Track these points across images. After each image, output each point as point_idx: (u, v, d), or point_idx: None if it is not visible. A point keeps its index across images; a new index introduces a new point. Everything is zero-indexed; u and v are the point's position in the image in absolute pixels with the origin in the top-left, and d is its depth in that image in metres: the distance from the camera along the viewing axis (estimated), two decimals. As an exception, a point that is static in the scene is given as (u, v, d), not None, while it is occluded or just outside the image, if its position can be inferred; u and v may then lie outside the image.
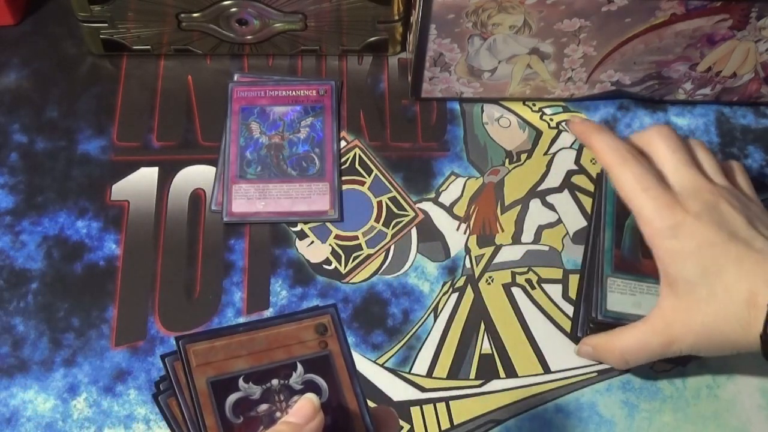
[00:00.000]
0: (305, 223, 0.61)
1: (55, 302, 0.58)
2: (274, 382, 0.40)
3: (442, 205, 0.63)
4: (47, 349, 0.56)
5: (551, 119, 0.67)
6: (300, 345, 0.40)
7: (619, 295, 0.54)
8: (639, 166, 0.50)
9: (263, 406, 0.40)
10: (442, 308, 0.59)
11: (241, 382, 0.39)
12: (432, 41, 0.60)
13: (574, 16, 0.58)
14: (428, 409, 0.55)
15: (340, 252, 0.60)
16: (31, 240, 0.60)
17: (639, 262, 0.55)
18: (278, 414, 0.40)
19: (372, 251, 0.61)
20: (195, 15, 0.64)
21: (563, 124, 0.66)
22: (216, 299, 0.58)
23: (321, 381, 0.41)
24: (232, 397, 0.39)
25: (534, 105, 0.67)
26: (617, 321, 0.53)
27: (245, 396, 0.39)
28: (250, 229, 0.61)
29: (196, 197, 0.62)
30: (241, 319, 0.58)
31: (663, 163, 0.51)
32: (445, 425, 0.55)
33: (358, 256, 0.60)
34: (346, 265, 0.60)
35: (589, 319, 0.54)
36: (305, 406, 0.38)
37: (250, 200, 0.61)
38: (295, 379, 0.40)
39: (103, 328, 0.57)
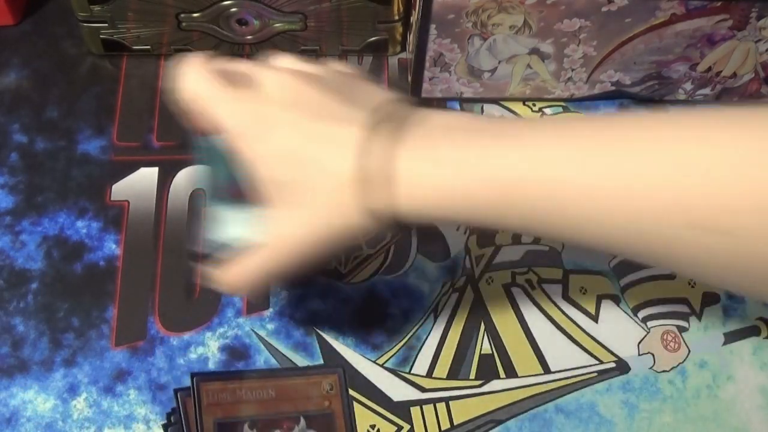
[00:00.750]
0: (305, 223, 0.61)
1: (55, 302, 0.58)
2: None
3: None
4: (47, 349, 0.56)
5: (551, 119, 0.67)
6: (306, 400, 0.41)
7: (222, 224, 0.47)
8: (200, 70, 0.44)
9: None
10: (442, 308, 0.59)
11: (246, 427, 0.39)
12: (432, 41, 0.60)
13: (574, 16, 0.58)
14: (428, 409, 0.55)
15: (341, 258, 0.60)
16: (31, 240, 0.60)
17: (237, 187, 0.46)
18: None
19: (372, 251, 0.61)
20: (195, 15, 0.64)
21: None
22: (216, 299, 0.58)
23: None
24: None
25: (534, 105, 0.67)
26: (224, 250, 0.47)
27: None
28: (250, 229, 0.61)
29: (196, 197, 0.62)
30: (241, 319, 0.58)
31: (236, 65, 0.45)
32: (445, 425, 0.55)
33: (358, 256, 0.60)
34: (346, 266, 0.60)
35: (189, 254, 0.51)
36: None
37: (250, 200, 0.61)
38: None
39: (103, 328, 0.57)
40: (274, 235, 0.41)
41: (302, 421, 0.40)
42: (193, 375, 0.39)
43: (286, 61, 0.45)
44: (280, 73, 0.43)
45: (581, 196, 0.35)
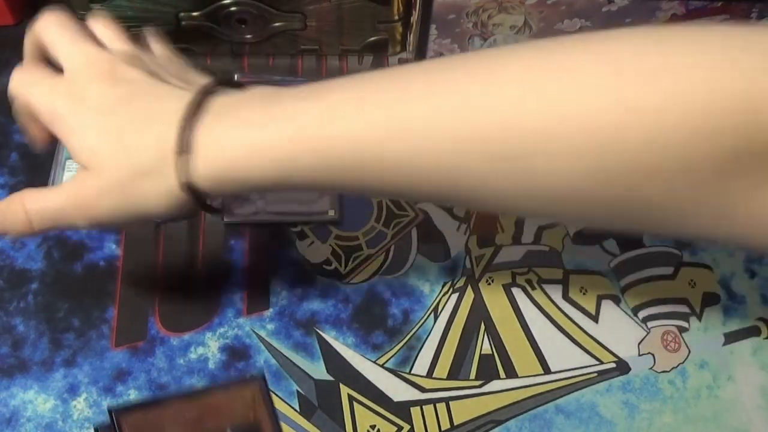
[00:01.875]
0: (305, 223, 0.61)
1: (55, 302, 0.58)
2: None
3: (442, 205, 0.63)
4: (47, 350, 0.56)
5: (551, 119, 0.67)
6: (229, 415, 0.41)
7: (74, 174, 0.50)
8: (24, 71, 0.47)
9: None
10: (443, 308, 0.59)
11: None
12: (432, 41, 0.60)
13: (574, 17, 0.58)
14: (428, 409, 0.55)
15: (340, 252, 0.60)
16: (31, 240, 0.60)
17: None
18: None
19: (372, 251, 0.61)
20: (195, 14, 0.64)
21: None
22: (216, 299, 0.58)
23: None
24: None
25: (534, 105, 0.67)
26: None
27: None
28: (250, 229, 0.61)
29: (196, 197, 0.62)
30: (241, 319, 0.58)
31: (55, 50, 0.46)
32: (445, 426, 0.55)
33: (359, 256, 0.60)
34: (346, 266, 0.60)
35: None
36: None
37: (251, 200, 0.61)
38: None
39: (103, 329, 0.57)
40: (71, 186, 0.42)
41: None
42: (110, 410, 0.38)
43: (106, 38, 0.46)
44: (108, 61, 0.43)
45: (371, 144, 0.36)
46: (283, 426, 0.53)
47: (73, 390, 0.55)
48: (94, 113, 0.41)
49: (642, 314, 0.59)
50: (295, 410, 0.55)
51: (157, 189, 0.40)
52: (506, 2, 0.57)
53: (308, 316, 0.58)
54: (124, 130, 0.40)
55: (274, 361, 0.56)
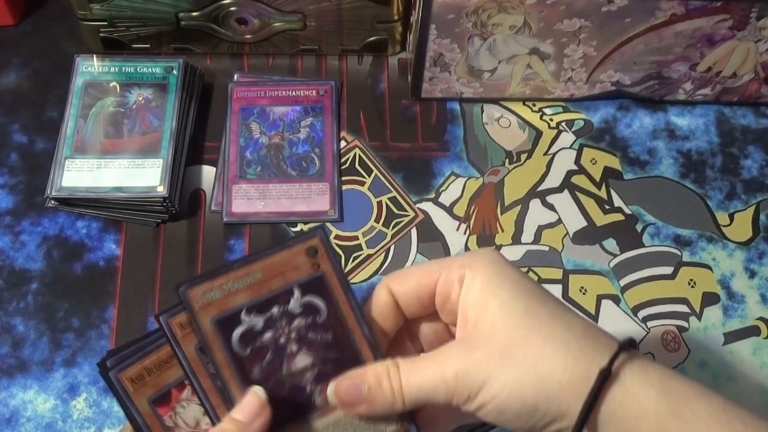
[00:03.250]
0: (305, 223, 0.61)
1: (55, 302, 0.58)
2: (275, 310, 0.40)
3: (442, 205, 0.63)
4: (47, 349, 0.56)
5: (551, 119, 0.67)
6: (294, 270, 0.41)
7: (75, 173, 0.59)
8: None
9: (268, 335, 0.40)
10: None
11: (242, 316, 0.40)
12: (432, 41, 0.60)
13: (574, 16, 0.58)
14: (428, 409, 0.55)
15: (341, 252, 0.60)
16: (31, 240, 0.60)
17: (101, 144, 0.60)
18: (282, 340, 0.40)
19: (372, 251, 0.61)
20: (194, 14, 0.64)
21: (562, 124, 0.66)
22: (216, 299, 0.58)
23: (319, 301, 0.41)
24: (237, 332, 0.39)
25: (534, 105, 0.67)
26: (72, 195, 0.59)
27: (249, 328, 0.40)
28: (250, 229, 0.61)
29: (196, 197, 0.62)
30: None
31: None
32: (445, 425, 0.55)
33: (358, 256, 0.60)
34: (346, 265, 0.60)
35: (48, 196, 0.59)
36: (251, 402, 0.38)
37: (250, 200, 0.61)
38: (294, 303, 0.41)
39: (103, 328, 0.57)
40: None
41: (296, 292, 0.40)
42: (177, 286, 0.39)
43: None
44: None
45: None
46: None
47: (73, 390, 0.55)
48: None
49: (642, 314, 0.59)
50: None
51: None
52: (506, 2, 0.57)
53: (308, 316, 0.58)
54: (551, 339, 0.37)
55: (274, 361, 0.56)
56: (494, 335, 0.38)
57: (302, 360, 0.40)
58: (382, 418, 0.40)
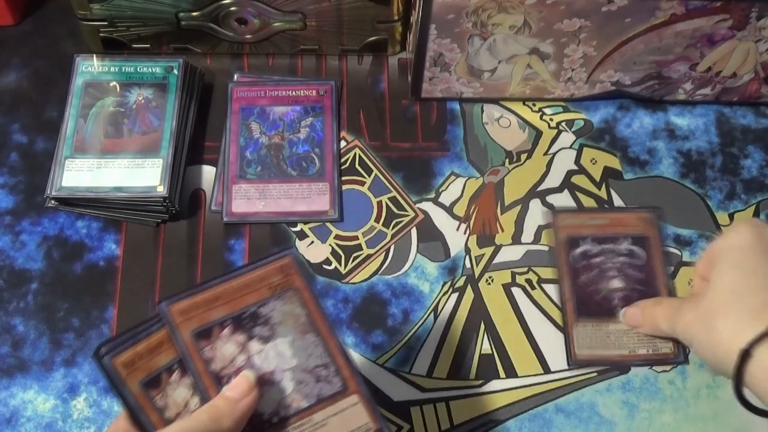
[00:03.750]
0: (305, 223, 0.61)
1: (55, 302, 0.58)
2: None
3: (442, 205, 0.63)
4: (47, 349, 0.56)
5: (551, 119, 0.67)
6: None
7: (75, 173, 0.59)
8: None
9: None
10: (442, 308, 0.59)
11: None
12: (432, 41, 0.60)
13: (574, 16, 0.58)
14: (428, 409, 0.55)
15: (340, 252, 0.60)
16: (31, 240, 0.60)
17: (101, 144, 0.60)
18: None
19: (372, 251, 0.61)
20: (194, 14, 0.64)
21: (562, 123, 0.66)
22: (216, 299, 0.58)
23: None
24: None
25: (534, 105, 0.67)
26: (72, 195, 0.59)
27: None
28: (250, 229, 0.61)
29: (196, 197, 0.62)
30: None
31: None
32: (445, 425, 0.55)
33: (358, 256, 0.60)
34: (346, 265, 0.60)
35: (48, 196, 0.59)
36: (242, 383, 0.42)
37: (250, 200, 0.61)
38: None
39: (103, 328, 0.57)
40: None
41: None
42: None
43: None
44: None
45: None
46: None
47: (73, 390, 0.55)
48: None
49: (642, 314, 0.59)
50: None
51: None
52: (506, 2, 0.57)
53: (308, 315, 0.58)
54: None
55: (274, 360, 0.56)
56: (703, 300, 0.49)
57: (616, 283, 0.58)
58: (656, 337, 0.56)
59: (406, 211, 0.62)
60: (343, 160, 0.64)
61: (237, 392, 0.41)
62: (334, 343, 0.44)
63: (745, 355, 0.45)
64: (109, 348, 0.41)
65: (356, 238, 0.61)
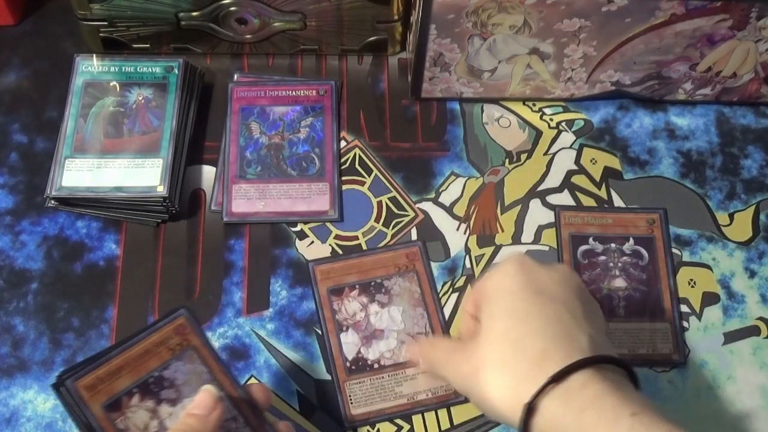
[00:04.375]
0: (305, 223, 0.61)
1: (55, 302, 0.58)
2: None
3: (442, 205, 0.63)
4: (47, 349, 0.56)
5: (551, 119, 0.67)
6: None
7: (75, 173, 0.59)
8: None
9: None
10: (442, 308, 0.59)
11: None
12: (432, 41, 0.60)
13: (574, 16, 0.58)
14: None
15: (340, 252, 0.60)
16: (31, 240, 0.60)
17: (101, 144, 0.61)
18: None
19: (372, 251, 0.61)
20: (194, 14, 0.64)
21: (562, 123, 0.66)
22: (216, 299, 0.58)
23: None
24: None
25: (534, 105, 0.67)
26: (72, 195, 0.59)
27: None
28: (250, 229, 0.61)
29: (196, 197, 0.62)
30: (241, 319, 0.58)
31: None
32: (445, 425, 0.55)
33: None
34: (346, 265, 0.60)
35: (48, 196, 0.59)
36: (205, 398, 0.43)
37: (250, 200, 0.61)
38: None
39: (103, 328, 0.57)
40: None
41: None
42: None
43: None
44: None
45: None
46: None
47: (73, 390, 0.55)
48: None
49: (642, 314, 0.60)
50: (295, 410, 0.55)
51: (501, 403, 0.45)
52: (506, 2, 0.57)
53: (308, 316, 0.58)
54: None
55: (273, 360, 0.56)
56: (476, 352, 0.46)
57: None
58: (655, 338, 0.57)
59: (406, 211, 0.62)
60: (343, 160, 0.64)
61: (204, 408, 0.43)
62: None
63: (530, 409, 0.42)
64: (72, 372, 0.43)
65: (356, 238, 0.61)
